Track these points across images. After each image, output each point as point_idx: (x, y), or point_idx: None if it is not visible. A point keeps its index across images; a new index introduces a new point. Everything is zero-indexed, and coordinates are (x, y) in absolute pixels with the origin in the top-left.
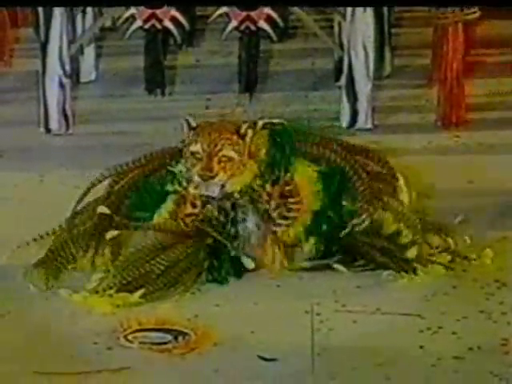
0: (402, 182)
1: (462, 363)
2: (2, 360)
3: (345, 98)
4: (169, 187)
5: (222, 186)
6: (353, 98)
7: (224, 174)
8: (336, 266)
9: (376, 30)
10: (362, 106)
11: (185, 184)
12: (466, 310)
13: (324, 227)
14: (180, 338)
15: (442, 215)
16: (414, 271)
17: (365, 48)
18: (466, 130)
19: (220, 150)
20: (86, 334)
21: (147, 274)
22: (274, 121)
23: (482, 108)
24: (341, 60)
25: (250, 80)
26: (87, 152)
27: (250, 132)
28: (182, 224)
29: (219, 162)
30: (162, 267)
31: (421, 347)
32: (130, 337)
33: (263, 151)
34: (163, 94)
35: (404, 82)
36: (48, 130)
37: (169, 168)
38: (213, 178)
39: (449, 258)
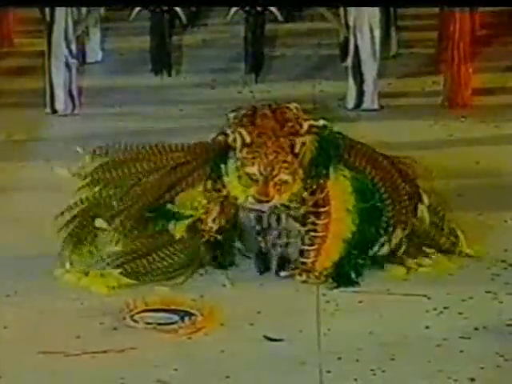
0: (426, 203)
1: (467, 343)
2: (8, 340)
3: (351, 79)
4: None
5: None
6: (359, 78)
7: (279, 197)
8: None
9: (382, 11)
10: (369, 86)
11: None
12: (472, 290)
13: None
14: (186, 319)
15: (448, 194)
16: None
17: (371, 29)
18: (472, 110)
19: (277, 174)
20: (92, 314)
21: (152, 265)
22: (321, 123)
23: (489, 90)
24: (347, 41)
25: (255, 60)
26: (93, 133)
27: (303, 149)
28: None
29: (275, 185)
30: (166, 263)
31: (426, 327)
32: (136, 317)
33: (308, 157)
34: (169, 74)
35: (411, 62)
36: (54, 111)
37: (217, 174)
38: (268, 202)
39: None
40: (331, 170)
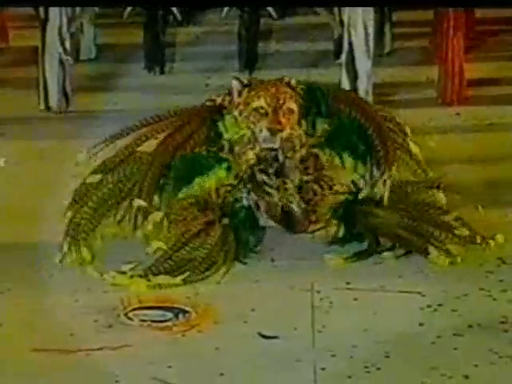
0: (410, 135)
1: (461, 340)
2: (3, 337)
3: (345, 76)
4: (215, 154)
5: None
6: (353, 75)
7: (288, 126)
8: (385, 254)
9: (376, 8)
10: (362, 83)
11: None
12: (466, 287)
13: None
14: (180, 316)
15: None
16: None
17: (365, 25)
18: (466, 106)
19: (284, 103)
20: (87, 311)
21: (190, 260)
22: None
23: (483, 85)
24: (341, 37)
25: (249, 57)
26: (87, 130)
27: (298, 88)
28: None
29: (284, 114)
30: (202, 254)
31: (421, 324)
32: (130, 314)
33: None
34: (162, 71)
35: (405, 59)
36: (48, 108)
37: (215, 130)
38: (281, 131)
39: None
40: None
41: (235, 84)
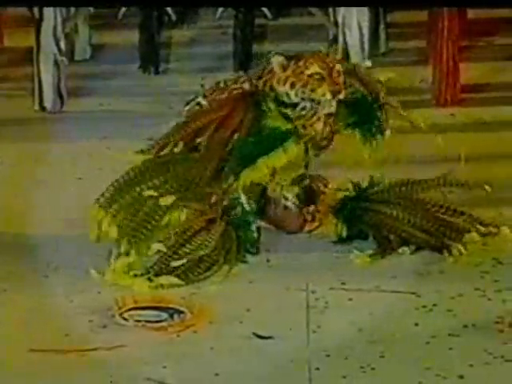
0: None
1: (456, 341)
2: None
3: None
4: (283, 125)
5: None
6: None
7: (343, 87)
8: (401, 249)
9: (371, 8)
10: None
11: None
12: (461, 287)
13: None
14: (176, 316)
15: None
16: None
17: (360, 26)
18: (460, 107)
19: (333, 66)
20: (82, 311)
21: (191, 260)
22: None
23: (477, 85)
24: (336, 38)
25: (244, 58)
26: (82, 131)
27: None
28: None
29: (338, 75)
30: (203, 253)
31: (416, 325)
32: (125, 315)
33: None
34: (157, 71)
35: (400, 60)
36: (43, 108)
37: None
38: (340, 92)
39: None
40: None
41: (278, 59)
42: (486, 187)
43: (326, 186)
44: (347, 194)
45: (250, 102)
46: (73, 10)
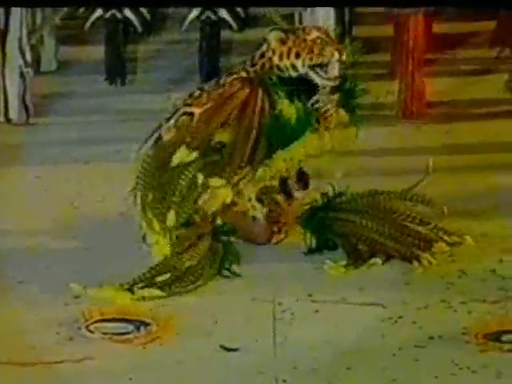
0: None
1: (422, 352)
2: None
3: None
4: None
5: None
6: None
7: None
8: (373, 260)
9: (336, 20)
10: None
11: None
12: (427, 299)
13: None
14: (142, 329)
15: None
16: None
17: None
18: (426, 121)
19: (328, 34)
20: (49, 324)
21: (175, 271)
22: None
23: (443, 103)
24: None
25: (210, 69)
26: (47, 143)
27: None
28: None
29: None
30: (188, 265)
31: (382, 336)
32: (91, 327)
33: None
34: (123, 83)
35: (365, 73)
36: (8, 120)
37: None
38: (343, 52)
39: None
40: None
41: (277, 34)
42: (445, 209)
43: (291, 196)
44: (314, 203)
45: (257, 88)
46: (39, 21)
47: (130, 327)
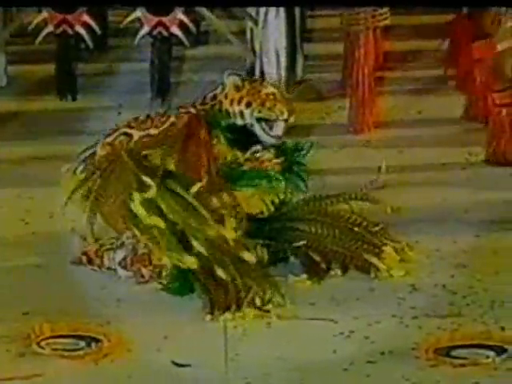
0: None
1: (374, 367)
2: None
3: None
4: None
5: None
6: None
7: None
8: (334, 271)
9: (288, 36)
10: None
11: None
12: (379, 314)
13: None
14: (93, 345)
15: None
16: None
17: (277, 54)
18: (376, 134)
19: (282, 89)
20: None
21: None
22: None
23: (393, 117)
24: (253, 66)
25: (162, 86)
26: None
27: None
28: None
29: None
30: None
31: (334, 351)
32: (42, 343)
33: None
34: (74, 98)
35: (316, 88)
36: None
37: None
38: (294, 112)
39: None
40: None
41: (234, 79)
42: (388, 209)
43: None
44: (260, 215)
45: (202, 125)
46: None
47: (82, 343)
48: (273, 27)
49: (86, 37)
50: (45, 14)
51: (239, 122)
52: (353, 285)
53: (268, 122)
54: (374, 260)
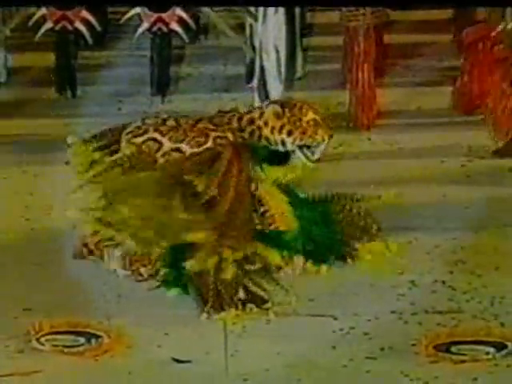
0: None
1: (373, 363)
2: None
3: (257, 100)
4: None
5: None
6: (265, 99)
7: None
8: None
9: (288, 32)
10: None
11: None
12: (378, 310)
13: None
14: (93, 341)
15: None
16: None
17: (276, 50)
18: (377, 132)
19: (319, 111)
20: None
21: None
22: None
23: (393, 113)
24: (253, 62)
25: (161, 81)
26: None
27: None
28: None
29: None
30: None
31: (333, 348)
32: (42, 340)
33: None
34: (73, 94)
35: (316, 83)
36: None
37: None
38: (332, 134)
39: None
40: None
41: (274, 107)
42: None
43: None
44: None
45: (243, 154)
46: None
47: (81, 340)
48: (272, 23)
49: (86, 33)
50: (44, 11)
51: (281, 148)
52: (353, 281)
53: (310, 148)
54: (357, 245)
